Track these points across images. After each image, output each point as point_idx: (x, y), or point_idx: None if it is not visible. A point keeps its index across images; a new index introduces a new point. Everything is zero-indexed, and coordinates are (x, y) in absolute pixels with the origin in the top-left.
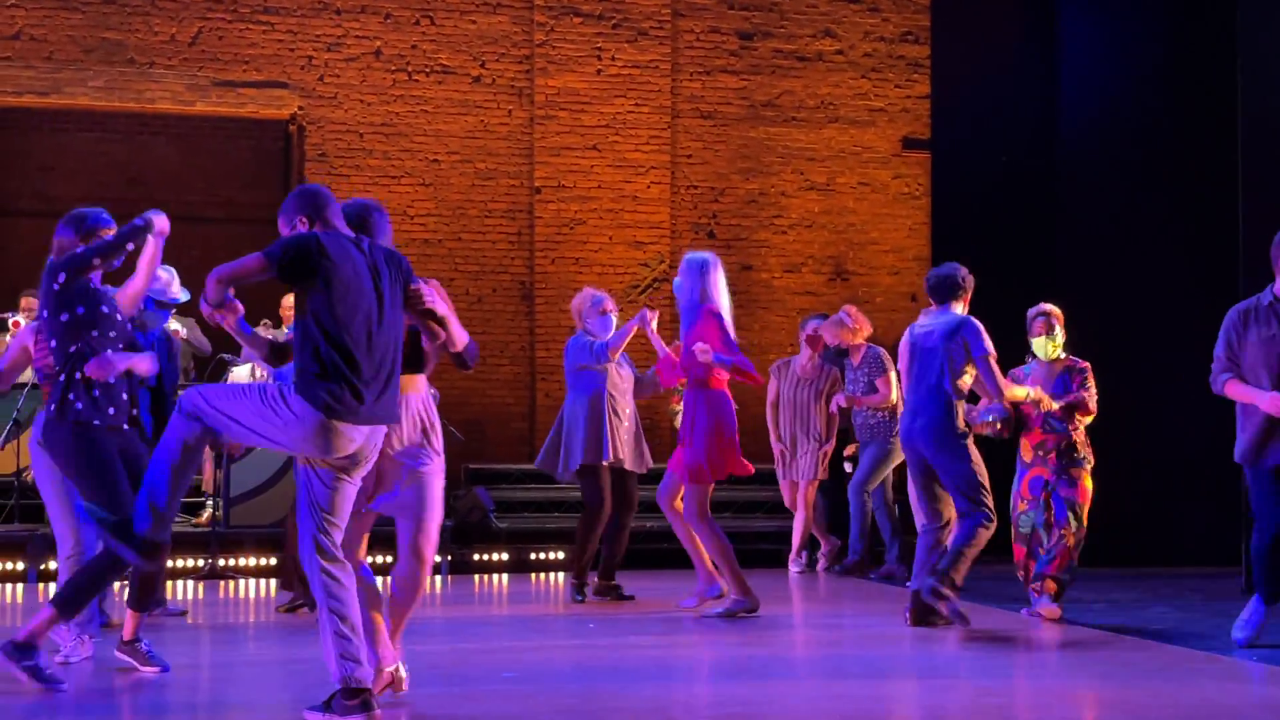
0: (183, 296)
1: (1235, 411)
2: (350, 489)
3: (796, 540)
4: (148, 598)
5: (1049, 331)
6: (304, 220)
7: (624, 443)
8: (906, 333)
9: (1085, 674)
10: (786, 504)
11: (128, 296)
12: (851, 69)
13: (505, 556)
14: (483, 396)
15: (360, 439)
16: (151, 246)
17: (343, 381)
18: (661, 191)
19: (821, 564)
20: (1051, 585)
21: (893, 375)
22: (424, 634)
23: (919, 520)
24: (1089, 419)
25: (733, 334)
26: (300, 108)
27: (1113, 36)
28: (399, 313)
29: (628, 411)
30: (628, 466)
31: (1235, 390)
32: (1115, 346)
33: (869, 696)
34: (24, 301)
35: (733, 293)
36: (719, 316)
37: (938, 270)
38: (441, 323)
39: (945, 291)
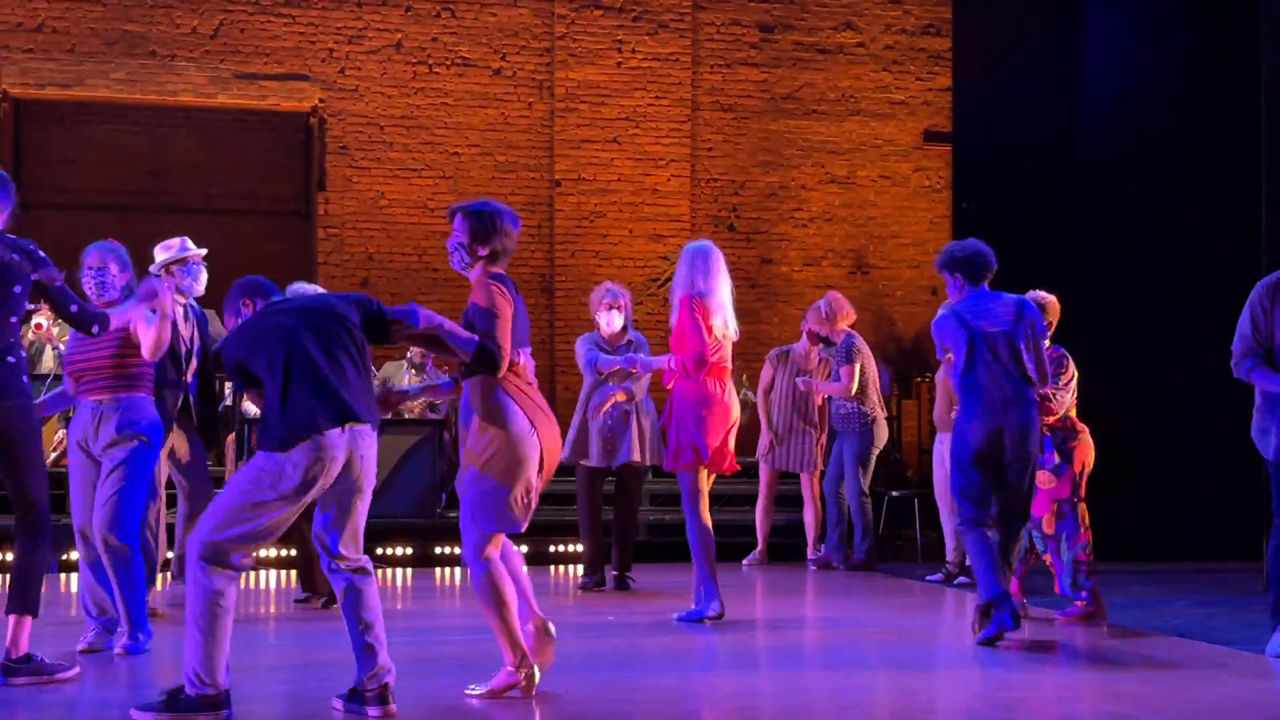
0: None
1: (1256, 401)
2: None
3: (811, 533)
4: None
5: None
6: None
7: (596, 440)
8: (949, 316)
9: (1106, 669)
10: (762, 491)
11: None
12: (873, 61)
13: (524, 549)
14: None
15: None
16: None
17: None
18: (682, 184)
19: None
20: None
21: (858, 366)
22: (443, 625)
23: (969, 515)
24: (1051, 419)
25: (716, 322)
26: (321, 100)
27: (1135, 27)
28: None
29: (618, 408)
30: (593, 463)
31: (1264, 379)
32: (1135, 339)
33: (892, 689)
34: None
35: (752, 285)
36: (692, 303)
37: (965, 247)
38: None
39: (984, 269)
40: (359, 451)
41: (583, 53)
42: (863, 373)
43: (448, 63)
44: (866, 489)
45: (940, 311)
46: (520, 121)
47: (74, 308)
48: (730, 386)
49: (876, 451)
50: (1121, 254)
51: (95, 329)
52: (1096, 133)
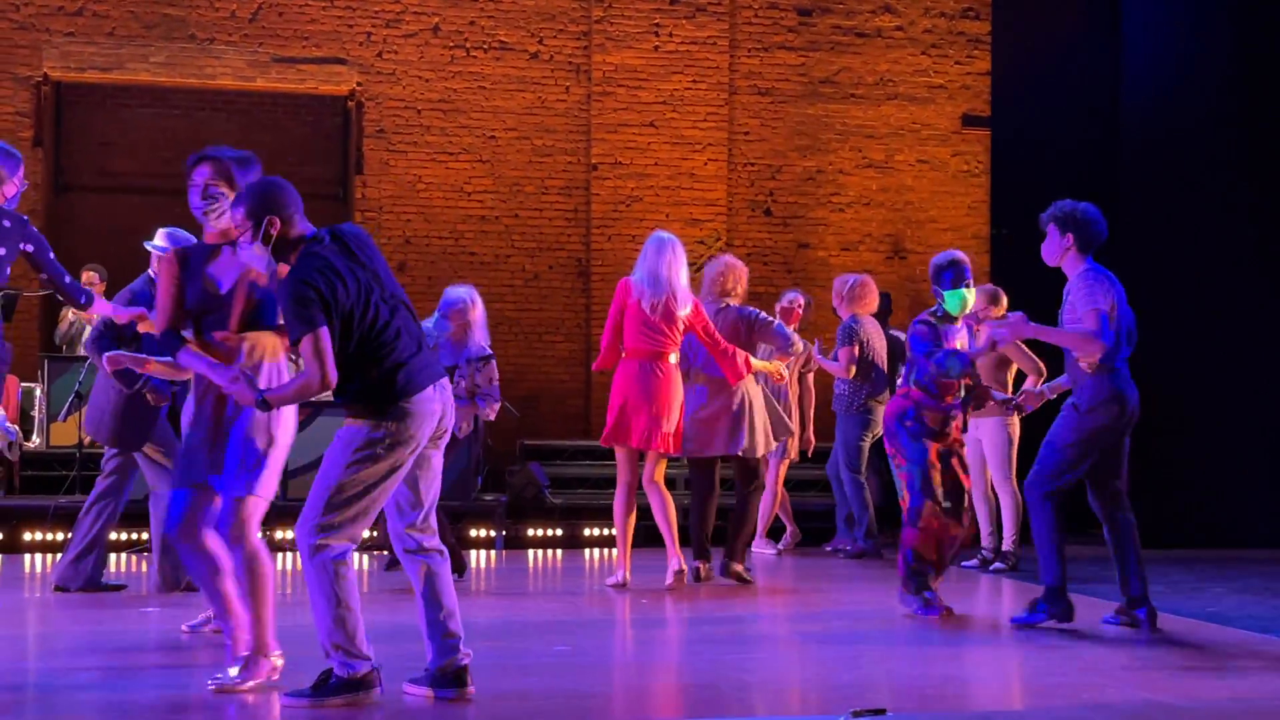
0: None
1: None
2: None
3: (763, 523)
4: None
5: (966, 281)
6: None
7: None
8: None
9: (1142, 655)
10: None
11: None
12: (911, 45)
13: (559, 532)
14: (538, 373)
15: None
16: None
17: None
18: (718, 169)
19: (784, 544)
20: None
21: (856, 349)
22: (478, 608)
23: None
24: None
25: (634, 311)
26: (359, 84)
27: (1176, 11)
28: None
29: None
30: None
31: None
32: (1177, 328)
33: (923, 672)
34: (85, 275)
35: (788, 270)
36: (622, 291)
37: (1087, 209)
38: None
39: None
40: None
41: (620, 36)
42: (863, 357)
43: (485, 46)
44: (860, 473)
45: (1089, 273)
46: (557, 105)
47: (67, 279)
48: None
49: (869, 438)
50: (1164, 240)
51: (83, 300)
52: (1139, 117)
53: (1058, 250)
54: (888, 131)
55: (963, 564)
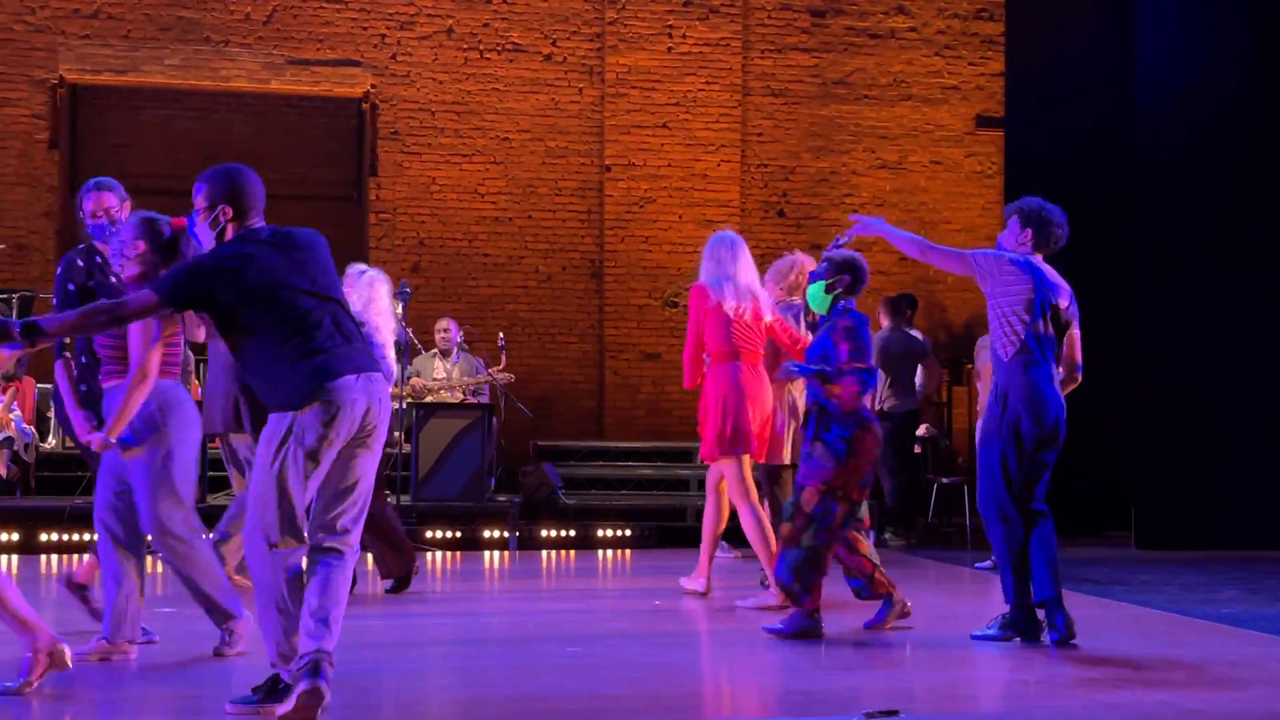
0: None
1: None
2: None
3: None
4: None
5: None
6: None
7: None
8: (1032, 277)
9: (1155, 656)
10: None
11: None
12: (925, 46)
13: (572, 533)
14: (551, 374)
15: None
16: None
17: None
18: (732, 170)
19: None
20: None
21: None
22: (490, 607)
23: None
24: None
25: (719, 315)
26: (373, 86)
27: (1192, 10)
28: None
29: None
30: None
31: None
32: (1191, 327)
33: (935, 673)
34: None
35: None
36: (699, 297)
37: (1034, 204)
38: None
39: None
40: None
41: (633, 38)
42: None
43: (499, 48)
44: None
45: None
46: (571, 107)
47: None
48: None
49: None
50: (1179, 240)
51: None
52: (1154, 117)
53: (1012, 244)
54: (901, 132)
55: (976, 565)
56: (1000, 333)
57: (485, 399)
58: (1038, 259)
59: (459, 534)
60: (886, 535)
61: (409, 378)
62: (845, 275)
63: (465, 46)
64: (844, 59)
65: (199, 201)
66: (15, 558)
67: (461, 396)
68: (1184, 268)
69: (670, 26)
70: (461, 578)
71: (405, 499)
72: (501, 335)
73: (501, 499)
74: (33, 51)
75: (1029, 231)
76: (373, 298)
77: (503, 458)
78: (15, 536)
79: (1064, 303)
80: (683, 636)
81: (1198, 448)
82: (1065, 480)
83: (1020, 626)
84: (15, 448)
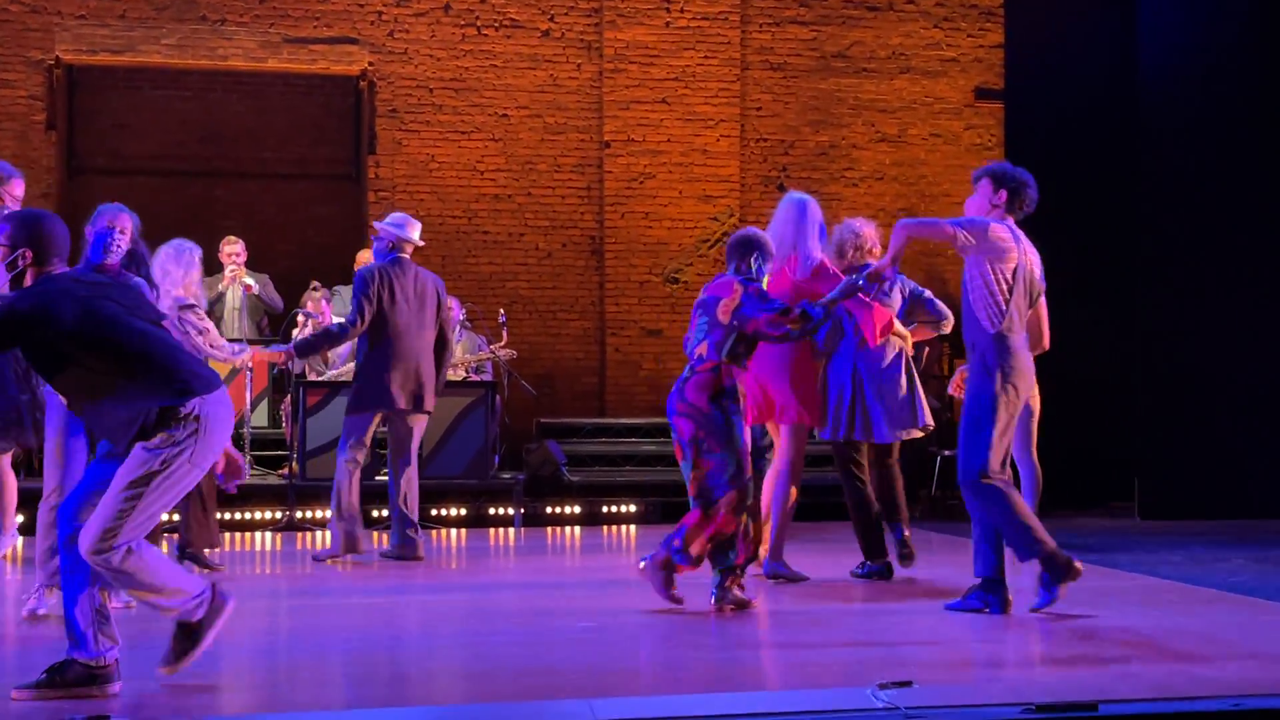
0: None
1: None
2: None
3: None
4: None
5: None
6: None
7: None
8: (1018, 244)
9: (1169, 627)
10: None
11: None
12: (923, 18)
13: (577, 510)
14: (553, 351)
15: None
16: None
17: None
18: (731, 145)
19: None
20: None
21: None
22: (499, 584)
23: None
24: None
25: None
26: (371, 63)
27: None
28: None
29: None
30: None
31: None
32: (1196, 298)
33: (953, 638)
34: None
35: None
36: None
37: (1005, 166)
38: None
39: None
40: None
41: (631, 13)
42: None
43: (496, 24)
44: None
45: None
46: (569, 83)
47: None
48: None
49: None
50: (1182, 211)
51: None
52: (1157, 87)
53: (985, 206)
54: (900, 105)
55: None
56: (984, 303)
57: (488, 377)
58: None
59: (464, 511)
60: None
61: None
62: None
63: (463, 23)
64: (842, 32)
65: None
66: (21, 539)
67: (464, 374)
68: (1187, 238)
69: (668, 1)
70: (468, 555)
71: None
72: (502, 312)
73: (506, 476)
74: (28, 32)
75: (1003, 193)
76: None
77: (506, 435)
78: (21, 519)
79: (1039, 271)
80: (693, 611)
81: (1200, 418)
82: (1068, 452)
83: (992, 597)
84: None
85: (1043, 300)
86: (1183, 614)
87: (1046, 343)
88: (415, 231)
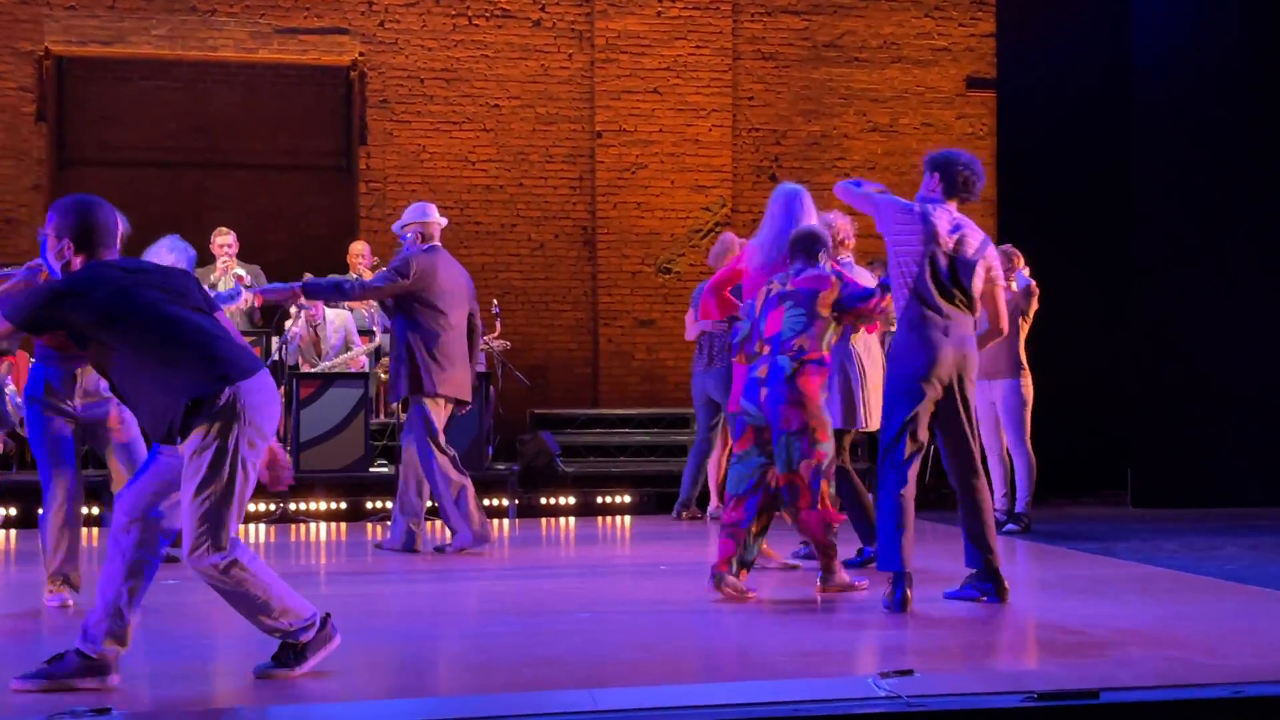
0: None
1: None
2: None
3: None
4: None
5: None
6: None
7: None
8: (925, 225)
9: (1166, 615)
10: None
11: None
12: (915, 7)
13: (572, 500)
14: (546, 342)
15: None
16: None
17: None
18: (723, 134)
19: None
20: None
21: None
22: (497, 575)
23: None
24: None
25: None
26: (361, 54)
27: None
28: None
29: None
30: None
31: None
32: (1189, 288)
33: (947, 629)
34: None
35: None
36: None
37: (941, 151)
38: None
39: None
40: None
41: (622, 2)
42: None
43: (487, 14)
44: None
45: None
46: (560, 73)
47: None
48: None
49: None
50: (1177, 199)
51: None
52: (1150, 76)
53: (924, 193)
54: (892, 95)
55: None
56: (898, 282)
57: (482, 368)
58: (948, 206)
59: None
60: None
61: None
62: None
63: (453, 13)
64: (834, 21)
65: (49, 230)
66: (14, 532)
67: None
68: (1182, 226)
69: None
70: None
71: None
72: (496, 303)
73: (500, 467)
74: (17, 23)
75: (935, 176)
76: None
77: (500, 426)
78: (13, 511)
79: (972, 253)
80: (691, 600)
81: (1193, 406)
82: (1061, 439)
83: (988, 585)
84: (11, 422)
85: (998, 287)
86: (1181, 602)
87: (1004, 325)
88: (433, 211)
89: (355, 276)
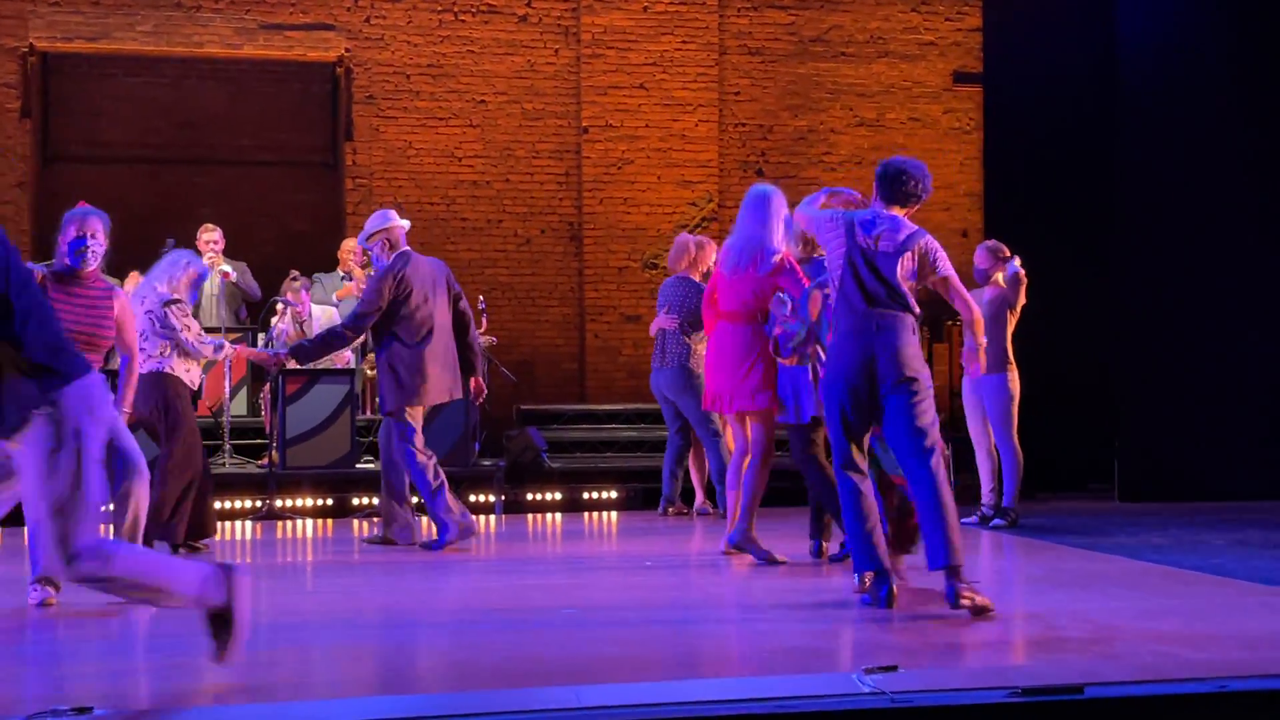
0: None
1: None
2: None
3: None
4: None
5: None
6: None
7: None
8: (837, 231)
9: (1153, 610)
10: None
11: None
12: (901, 2)
13: (558, 496)
14: (532, 338)
15: None
16: None
17: None
18: (709, 130)
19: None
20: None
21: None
22: (483, 572)
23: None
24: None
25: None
26: (347, 50)
27: None
28: None
29: None
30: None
31: None
32: (1175, 284)
33: (933, 625)
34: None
35: None
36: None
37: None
38: None
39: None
40: None
41: None
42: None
43: (473, 10)
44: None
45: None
46: (546, 68)
47: None
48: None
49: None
50: (1162, 193)
51: None
52: (1137, 71)
53: (873, 201)
54: (879, 89)
55: (963, 520)
56: (834, 289)
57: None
58: (887, 212)
59: None
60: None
61: None
62: None
63: (439, 9)
64: (820, 16)
65: None
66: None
67: None
68: (1167, 220)
69: None
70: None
71: None
72: (482, 298)
73: (486, 463)
74: (2, 20)
75: (878, 185)
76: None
77: (486, 422)
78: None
79: (887, 245)
80: (677, 596)
81: (1180, 400)
82: (1048, 433)
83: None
84: None
85: (947, 278)
86: (1167, 596)
87: (976, 313)
88: (394, 216)
89: (340, 323)
